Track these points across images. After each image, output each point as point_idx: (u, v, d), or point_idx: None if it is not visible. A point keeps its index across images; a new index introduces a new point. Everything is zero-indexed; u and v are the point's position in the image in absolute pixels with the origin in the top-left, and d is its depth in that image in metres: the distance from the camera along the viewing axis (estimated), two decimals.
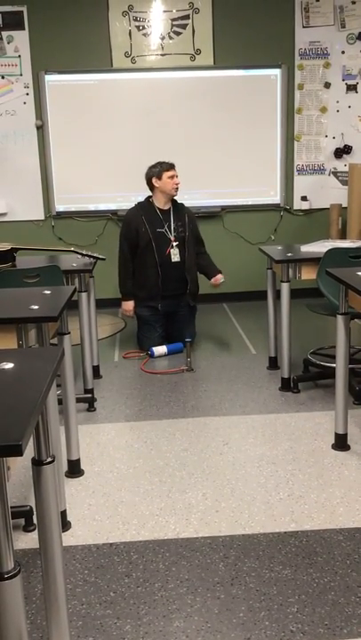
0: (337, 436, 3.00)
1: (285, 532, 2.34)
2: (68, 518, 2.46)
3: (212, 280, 4.58)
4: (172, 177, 4.37)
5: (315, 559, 2.18)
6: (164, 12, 5.48)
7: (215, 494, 2.62)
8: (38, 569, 2.18)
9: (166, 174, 4.36)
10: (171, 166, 4.39)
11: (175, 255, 4.43)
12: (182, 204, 4.57)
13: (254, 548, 2.26)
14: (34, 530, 2.41)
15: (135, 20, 5.47)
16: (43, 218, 5.75)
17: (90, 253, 3.79)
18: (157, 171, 4.38)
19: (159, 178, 4.37)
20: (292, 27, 5.56)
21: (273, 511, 2.48)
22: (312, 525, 2.38)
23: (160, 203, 4.45)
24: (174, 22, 5.50)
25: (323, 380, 3.85)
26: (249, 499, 2.58)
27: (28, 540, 2.36)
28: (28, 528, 2.43)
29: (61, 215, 5.75)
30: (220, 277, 4.57)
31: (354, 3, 5.51)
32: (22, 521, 2.44)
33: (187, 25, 5.51)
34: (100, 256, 3.78)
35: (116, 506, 2.57)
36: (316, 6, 5.52)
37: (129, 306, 4.54)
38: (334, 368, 2.98)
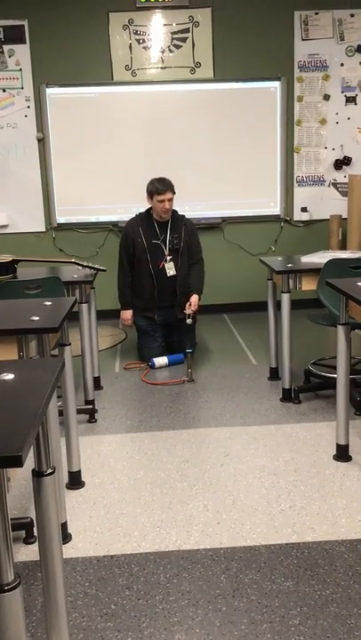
0: (338, 446, 2.99)
1: (287, 544, 2.33)
2: (69, 530, 2.45)
3: (188, 302, 4.35)
4: (161, 201, 4.32)
5: (317, 571, 2.17)
6: (165, 25, 5.52)
7: (216, 506, 2.61)
8: (39, 581, 2.16)
9: (156, 197, 4.33)
10: (163, 190, 4.30)
11: (170, 269, 4.43)
12: (182, 216, 4.58)
13: (256, 559, 2.25)
14: (34, 542, 2.40)
15: (135, 33, 5.52)
16: (44, 229, 5.76)
17: (90, 265, 3.80)
18: (150, 191, 4.37)
19: (151, 198, 4.38)
20: (292, 39, 5.60)
21: (274, 523, 2.47)
22: (314, 537, 2.37)
23: (158, 215, 4.47)
24: (174, 36, 5.54)
25: (324, 390, 3.84)
26: (250, 510, 2.57)
27: (28, 553, 2.35)
28: (28, 540, 2.41)
29: (62, 227, 5.77)
30: (193, 302, 4.33)
31: (353, 16, 5.56)
32: (23, 533, 2.43)
33: (187, 38, 5.55)
34: (101, 267, 3.79)
35: (117, 518, 2.56)
36: (316, 19, 5.56)
37: (127, 315, 4.55)
38: (335, 379, 2.98)
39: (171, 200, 4.36)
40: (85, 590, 2.12)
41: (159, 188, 4.32)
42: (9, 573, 1.23)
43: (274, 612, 1.98)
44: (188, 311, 4.34)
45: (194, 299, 4.39)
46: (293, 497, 2.66)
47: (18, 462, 1.15)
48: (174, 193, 4.39)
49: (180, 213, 4.58)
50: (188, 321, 4.34)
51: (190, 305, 4.35)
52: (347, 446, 2.98)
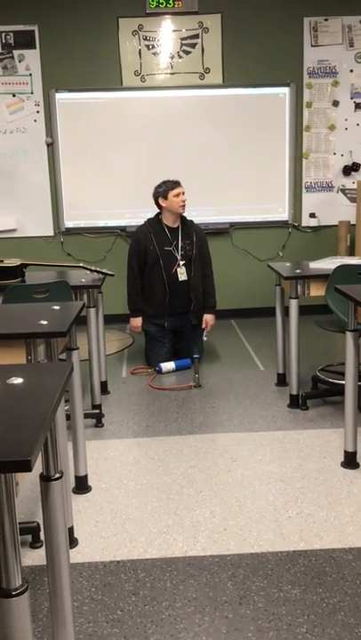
0: (346, 453, 2.98)
1: (294, 551, 2.32)
2: (75, 535, 2.45)
3: (203, 323, 4.57)
4: (177, 195, 4.36)
5: (324, 579, 2.16)
6: (174, 31, 5.54)
7: (223, 512, 2.60)
8: (45, 586, 2.16)
9: (172, 193, 4.35)
10: (175, 184, 4.38)
11: (182, 274, 4.43)
12: (192, 222, 4.58)
13: (263, 567, 2.24)
14: (41, 546, 2.40)
15: (145, 39, 5.54)
16: (52, 234, 5.78)
17: (98, 269, 3.81)
18: (163, 190, 4.38)
19: (165, 197, 4.37)
20: (301, 46, 5.60)
21: (282, 530, 2.46)
22: (321, 544, 2.35)
23: (168, 221, 4.47)
24: (184, 41, 5.56)
25: (332, 397, 3.83)
26: (257, 517, 2.55)
27: (34, 557, 2.34)
28: (34, 544, 2.41)
29: (70, 231, 5.78)
30: (209, 321, 4.57)
31: None
32: (29, 537, 2.43)
33: (196, 44, 5.56)
34: (109, 272, 3.79)
35: (124, 523, 2.55)
36: (325, 26, 5.57)
37: (137, 322, 4.54)
38: (343, 385, 2.96)
39: (184, 193, 4.39)
40: (92, 595, 2.12)
41: (172, 183, 4.38)
42: (17, 578, 1.23)
43: (281, 620, 1.96)
44: (206, 330, 4.61)
45: (211, 320, 4.59)
46: (301, 504, 2.64)
47: (27, 467, 1.15)
48: None
49: (188, 219, 4.58)
50: (205, 338, 4.67)
51: (207, 325, 4.58)
52: (355, 453, 2.96)
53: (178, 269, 4.43)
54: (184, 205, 4.40)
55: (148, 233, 4.44)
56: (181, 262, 4.43)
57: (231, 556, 2.30)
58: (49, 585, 1.63)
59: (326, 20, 5.56)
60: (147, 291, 4.49)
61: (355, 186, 5.77)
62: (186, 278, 4.44)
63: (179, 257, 4.43)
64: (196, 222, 4.64)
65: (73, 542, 2.40)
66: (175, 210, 4.40)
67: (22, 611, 1.24)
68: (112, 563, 2.29)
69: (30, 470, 1.15)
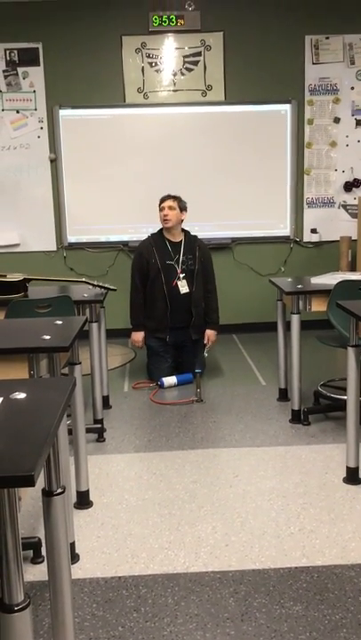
0: (348, 469, 2.97)
1: (296, 568, 2.31)
2: (77, 550, 2.44)
3: (205, 338, 4.59)
4: (161, 209, 4.44)
5: (326, 595, 2.15)
6: (177, 49, 5.60)
7: (225, 528, 2.59)
8: (46, 602, 2.15)
9: (160, 207, 4.46)
10: (161, 200, 4.47)
11: (183, 287, 4.45)
12: (195, 237, 4.61)
13: (265, 583, 2.23)
14: (42, 562, 2.39)
15: (148, 56, 5.60)
16: (55, 249, 5.81)
17: (101, 284, 3.83)
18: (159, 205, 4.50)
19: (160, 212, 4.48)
20: (303, 63, 5.66)
21: (284, 546, 2.45)
22: (323, 561, 2.34)
23: (169, 235, 4.50)
24: (186, 59, 5.62)
25: (333, 412, 3.83)
26: (259, 533, 2.55)
27: (36, 573, 2.34)
28: (36, 560, 2.40)
29: (73, 246, 5.81)
30: (211, 336, 4.58)
31: None
32: (30, 553, 2.42)
33: (198, 62, 5.62)
34: (111, 287, 3.81)
35: (125, 538, 2.54)
36: (326, 44, 5.63)
37: (138, 337, 4.55)
38: (345, 400, 2.97)
39: (171, 208, 4.41)
40: (93, 612, 2.11)
41: (161, 199, 4.48)
42: (19, 593, 1.23)
43: (283, 637, 1.95)
44: (207, 346, 4.61)
45: (212, 335, 4.60)
46: (303, 520, 2.64)
47: (30, 482, 1.16)
48: (177, 200, 4.44)
49: (192, 234, 4.61)
50: (206, 354, 4.65)
51: (208, 340, 4.59)
52: (357, 469, 2.96)
53: (178, 282, 4.44)
54: (166, 220, 4.43)
55: (150, 247, 4.47)
56: (181, 275, 4.45)
57: (233, 573, 2.29)
58: (50, 601, 1.63)
59: (327, 38, 5.62)
60: (149, 304, 4.51)
61: (356, 202, 5.80)
62: (187, 291, 4.46)
63: (179, 270, 4.45)
64: (200, 238, 4.66)
65: (74, 558, 2.39)
66: (161, 223, 4.45)
67: (24, 626, 1.23)
68: (113, 578, 2.28)
69: (34, 485, 1.16)
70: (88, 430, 3.37)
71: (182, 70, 5.63)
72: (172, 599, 2.16)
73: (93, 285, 3.83)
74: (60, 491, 1.57)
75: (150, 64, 5.61)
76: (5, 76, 5.54)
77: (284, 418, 3.80)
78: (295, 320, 3.63)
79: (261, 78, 5.65)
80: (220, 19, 5.55)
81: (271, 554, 2.40)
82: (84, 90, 5.59)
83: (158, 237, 4.53)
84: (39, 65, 5.54)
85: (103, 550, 2.46)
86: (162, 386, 4.42)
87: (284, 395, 4.11)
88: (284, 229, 5.91)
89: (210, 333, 4.59)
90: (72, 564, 2.35)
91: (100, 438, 3.58)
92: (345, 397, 2.98)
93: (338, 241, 5.79)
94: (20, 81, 5.56)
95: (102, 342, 3.94)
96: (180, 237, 4.52)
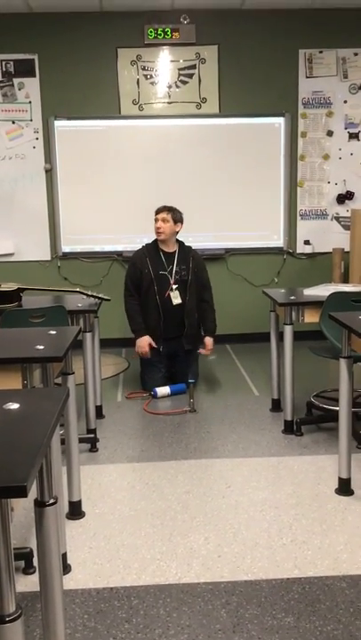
0: (340, 480, 2.98)
1: (288, 579, 2.31)
2: (69, 561, 2.44)
3: (202, 348, 4.59)
4: (155, 221, 4.46)
5: (318, 607, 2.15)
6: (172, 61, 5.65)
7: (217, 539, 2.60)
8: (37, 612, 2.15)
9: (155, 218, 4.48)
10: (156, 212, 4.48)
11: (175, 297, 4.46)
12: (190, 248, 4.63)
13: (257, 594, 2.23)
14: (33, 572, 2.39)
15: (143, 69, 5.64)
16: (49, 258, 5.82)
17: (95, 294, 3.83)
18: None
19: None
20: (296, 77, 5.71)
21: (276, 557, 2.45)
22: (315, 572, 2.35)
23: (163, 245, 4.52)
24: (181, 72, 5.66)
25: (326, 423, 3.84)
26: (251, 544, 2.55)
27: (27, 583, 2.33)
28: (27, 571, 2.40)
29: (67, 256, 5.82)
30: (208, 345, 4.57)
31: (356, 55, 5.68)
32: (22, 563, 2.42)
33: (193, 74, 5.67)
34: (105, 297, 3.82)
35: (117, 549, 2.54)
36: (320, 57, 5.69)
37: (144, 342, 4.45)
38: (337, 411, 2.98)
39: (164, 220, 4.43)
40: (84, 623, 2.10)
41: (156, 210, 4.49)
42: (11, 604, 1.23)
43: None
44: (203, 352, 4.60)
45: (209, 343, 4.59)
46: (295, 531, 2.64)
47: (22, 492, 1.16)
48: (171, 212, 4.45)
49: (186, 245, 4.63)
50: (213, 357, 4.76)
51: (206, 348, 4.58)
52: (349, 480, 2.97)
53: (171, 293, 4.46)
54: (159, 232, 4.46)
55: (143, 257, 4.49)
56: (174, 286, 4.46)
57: (225, 584, 2.29)
58: (42, 611, 1.63)
59: (321, 52, 5.68)
60: (142, 315, 4.52)
61: (348, 214, 5.84)
62: (180, 302, 4.47)
63: (172, 281, 4.47)
64: (194, 249, 4.67)
65: (66, 568, 2.39)
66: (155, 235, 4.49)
67: (15, 637, 1.24)
68: (105, 589, 2.28)
69: (26, 496, 1.17)
70: (81, 440, 3.37)
71: (177, 83, 5.68)
72: (163, 610, 2.16)
73: (87, 295, 3.84)
74: (52, 501, 1.58)
75: (145, 76, 5.65)
76: (1, 87, 5.57)
77: (276, 428, 3.81)
78: (288, 331, 3.65)
79: (255, 91, 5.70)
80: (214, 32, 5.60)
81: (263, 565, 2.40)
82: (79, 101, 5.62)
83: (152, 248, 4.55)
84: (35, 76, 5.57)
85: (95, 561, 2.46)
86: (155, 396, 4.42)
87: (276, 405, 4.12)
88: (278, 241, 5.94)
89: (207, 341, 4.58)
90: (64, 574, 2.35)
91: (93, 448, 3.57)
92: (337, 408, 2.99)
93: (331, 253, 5.82)
94: (15, 92, 5.59)
95: (96, 352, 3.95)
96: (174, 248, 4.54)
